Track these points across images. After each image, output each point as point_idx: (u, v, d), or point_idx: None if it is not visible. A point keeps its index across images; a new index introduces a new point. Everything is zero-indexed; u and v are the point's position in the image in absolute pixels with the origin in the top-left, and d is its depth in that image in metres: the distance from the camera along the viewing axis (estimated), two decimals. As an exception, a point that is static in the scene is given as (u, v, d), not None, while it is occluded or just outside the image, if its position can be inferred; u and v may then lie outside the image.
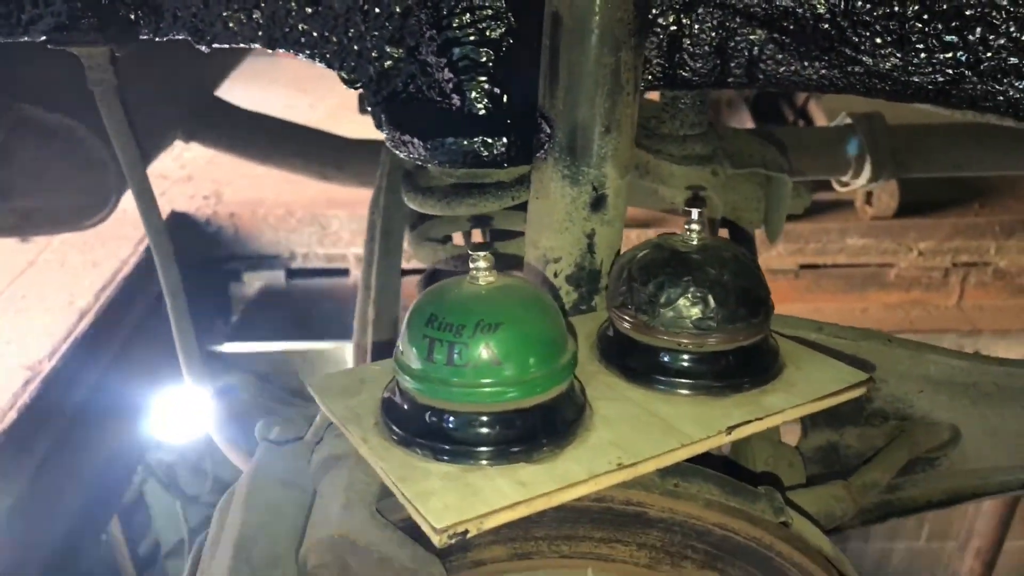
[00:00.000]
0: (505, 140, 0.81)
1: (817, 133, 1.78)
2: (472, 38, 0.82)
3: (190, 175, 3.80)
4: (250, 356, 3.88)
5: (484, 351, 0.56)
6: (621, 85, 0.72)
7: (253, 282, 3.47)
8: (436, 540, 0.51)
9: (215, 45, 0.89)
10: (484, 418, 0.57)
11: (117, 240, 3.13)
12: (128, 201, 1.57)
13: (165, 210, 3.31)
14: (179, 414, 3.61)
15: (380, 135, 2.04)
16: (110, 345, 2.70)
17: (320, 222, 3.35)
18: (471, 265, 0.60)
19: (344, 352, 3.99)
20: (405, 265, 1.27)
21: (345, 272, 3.46)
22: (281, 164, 1.94)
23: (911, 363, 0.87)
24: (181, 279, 0.98)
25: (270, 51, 0.90)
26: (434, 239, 0.99)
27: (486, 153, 0.81)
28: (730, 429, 0.61)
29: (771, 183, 1.01)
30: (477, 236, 1.06)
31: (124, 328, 2.82)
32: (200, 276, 3.44)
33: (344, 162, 1.86)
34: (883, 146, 1.67)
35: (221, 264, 3.44)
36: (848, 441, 0.92)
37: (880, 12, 0.84)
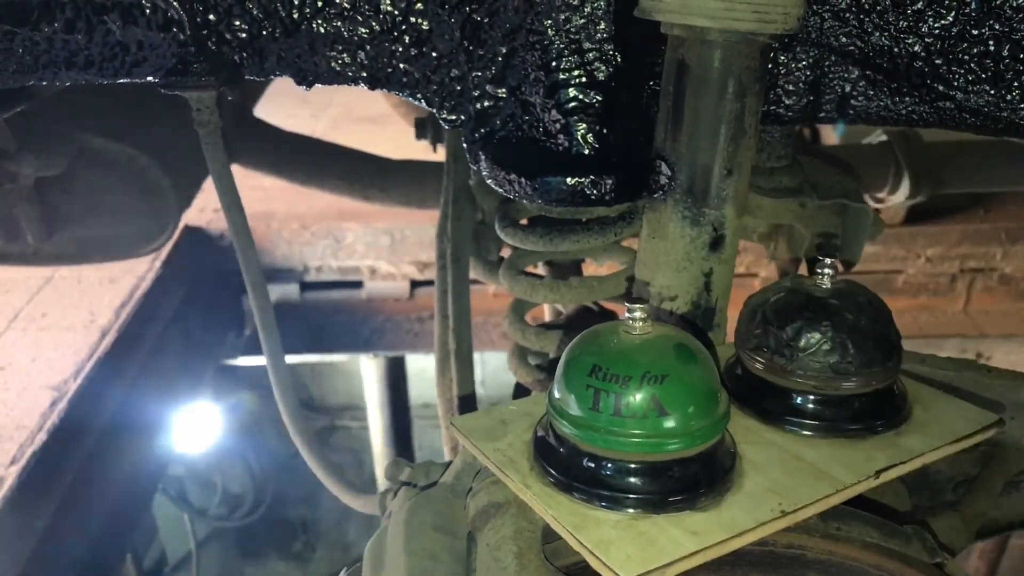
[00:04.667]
0: (612, 178, 0.82)
1: (855, 151, 1.80)
2: (580, 80, 0.83)
3: (201, 188, 3.78)
4: (263, 369, 3.87)
5: (651, 403, 0.57)
6: (744, 129, 0.74)
7: (266, 295, 3.45)
8: None
9: (316, 85, 0.90)
10: (647, 466, 0.59)
11: (132, 256, 3.11)
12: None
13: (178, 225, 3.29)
14: (191, 427, 3.60)
15: (419, 155, 2.03)
16: (132, 362, 2.70)
17: (335, 235, 3.35)
18: (627, 315, 0.61)
19: (357, 364, 3.99)
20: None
21: (359, 285, 3.46)
22: (324, 186, 1.94)
23: (1005, 391, 0.89)
24: (273, 314, 0.98)
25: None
26: (525, 271, 1.01)
27: (593, 192, 0.82)
28: (878, 473, 0.62)
29: (851, 213, 1.03)
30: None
31: (144, 345, 2.81)
32: (213, 290, 3.43)
33: (387, 184, 1.86)
34: (920, 163, 1.70)
35: (235, 277, 3.42)
36: (938, 467, 0.94)
37: (975, 51, 0.86)
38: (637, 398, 0.57)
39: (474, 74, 0.89)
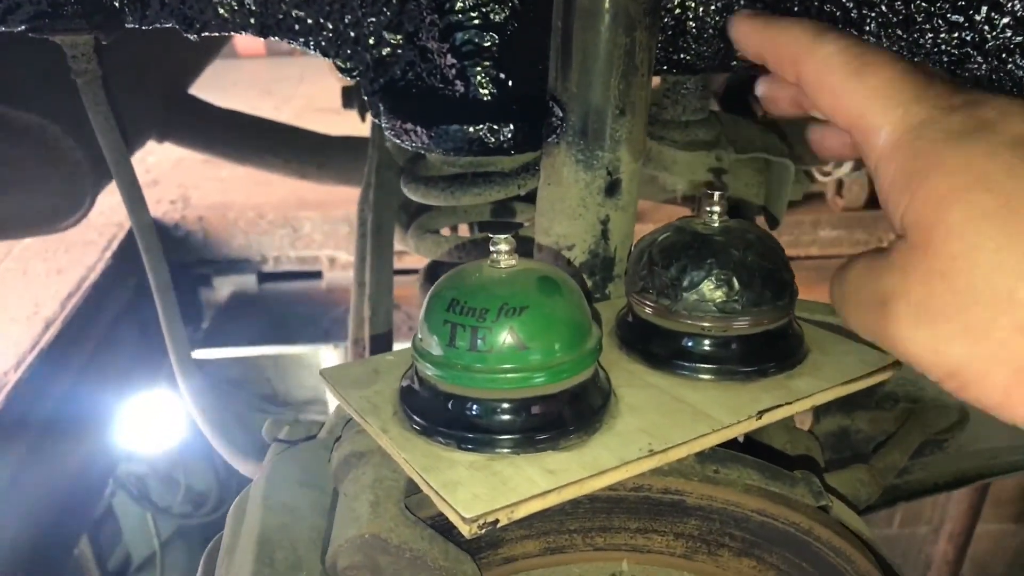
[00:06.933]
0: (511, 126, 0.78)
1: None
2: (476, 22, 0.80)
3: (156, 179, 3.72)
4: (222, 362, 3.81)
5: (509, 335, 0.53)
6: (636, 66, 0.71)
7: (224, 287, 3.40)
8: (465, 530, 0.48)
9: (204, 33, 0.86)
10: (509, 405, 0.55)
11: (82, 246, 3.05)
12: (96, 206, 1.52)
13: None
14: (151, 423, 3.53)
15: (360, 132, 1.99)
16: (78, 354, 2.63)
17: (292, 224, 3.30)
18: (492, 249, 0.57)
19: (318, 356, 3.94)
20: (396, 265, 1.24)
21: (318, 275, 3.41)
22: (259, 163, 1.89)
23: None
24: (170, 277, 0.94)
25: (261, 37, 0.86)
26: (434, 231, 0.97)
27: (492, 140, 0.79)
28: (760, 414, 0.59)
29: (773, 168, 1.00)
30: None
31: (92, 337, 2.75)
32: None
33: (324, 160, 1.82)
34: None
35: (191, 269, 3.37)
36: (859, 425, 0.91)
37: (885, -8, 0.83)
38: (494, 331, 0.53)
39: (369, 20, 0.85)
